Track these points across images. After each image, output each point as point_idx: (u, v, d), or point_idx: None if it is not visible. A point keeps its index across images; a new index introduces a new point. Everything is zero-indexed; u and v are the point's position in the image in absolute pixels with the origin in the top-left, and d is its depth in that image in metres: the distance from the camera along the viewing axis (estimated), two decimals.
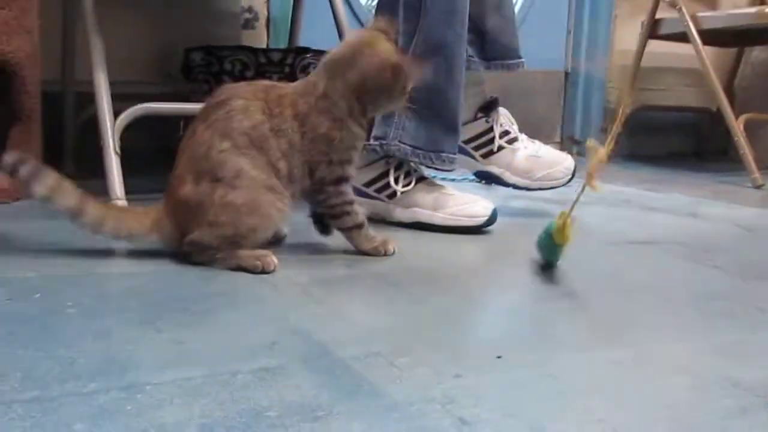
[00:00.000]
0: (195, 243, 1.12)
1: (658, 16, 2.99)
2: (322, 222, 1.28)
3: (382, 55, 1.18)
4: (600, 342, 0.90)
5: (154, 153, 2.22)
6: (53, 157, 1.90)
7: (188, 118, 2.02)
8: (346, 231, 1.24)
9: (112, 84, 1.59)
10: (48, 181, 1.09)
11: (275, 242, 1.25)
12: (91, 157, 1.72)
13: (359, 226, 1.24)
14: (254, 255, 1.12)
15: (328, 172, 1.18)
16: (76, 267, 1.10)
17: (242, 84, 1.20)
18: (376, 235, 1.26)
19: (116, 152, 1.49)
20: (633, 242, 1.50)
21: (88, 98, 1.72)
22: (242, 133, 1.12)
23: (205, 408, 0.65)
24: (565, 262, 1.26)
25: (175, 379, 0.71)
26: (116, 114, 1.54)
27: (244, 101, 1.14)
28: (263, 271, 1.11)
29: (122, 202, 1.43)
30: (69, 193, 1.10)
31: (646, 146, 3.44)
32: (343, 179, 1.20)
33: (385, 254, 1.25)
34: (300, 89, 1.19)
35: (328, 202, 1.21)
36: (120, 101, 1.57)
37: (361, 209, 1.24)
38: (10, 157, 1.10)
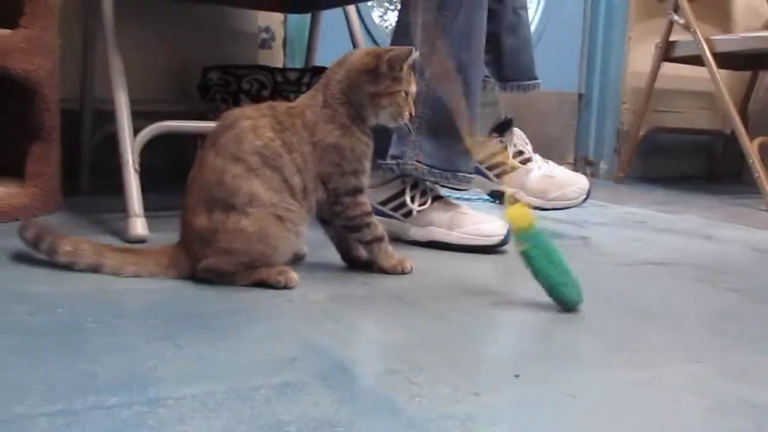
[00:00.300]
0: (210, 269, 1.12)
1: (671, 38, 3.01)
2: (347, 251, 1.29)
3: (367, 49, 1.21)
4: (616, 362, 0.90)
5: (169, 170, 2.25)
6: (71, 173, 1.93)
7: (204, 137, 2.06)
8: (367, 245, 1.24)
9: (130, 102, 1.61)
10: (65, 247, 1.14)
11: (295, 260, 1.26)
12: (107, 173, 1.74)
13: (380, 239, 1.24)
14: (276, 270, 1.13)
15: (342, 182, 1.18)
16: (95, 282, 1.11)
17: (246, 107, 1.20)
18: (394, 252, 1.26)
19: (135, 170, 1.50)
20: (646, 263, 1.50)
21: (106, 116, 1.74)
22: (254, 153, 1.11)
23: (226, 423, 0.66)
24: (580, 282, 1.26)
25: (196, 394, 0.72)
26: (134, 132, 1.55)
27: (252, 121, 1.14)
28: (285, 287, 1.12)
29: (141, 220, 1.44)
30: (87, 253, 1.14)
31: (659, 168, 3.44)
32: (358, 190, 1.21)
33: (403, 272, 1.25)
34: (306, 101, 1.20)
35: (346, 213, 1.20)
36: (137, 119, 1.58)
37: (380, 223, 1.25)
38: (29, 233, 1.16)
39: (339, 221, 1.23)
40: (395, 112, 1.20)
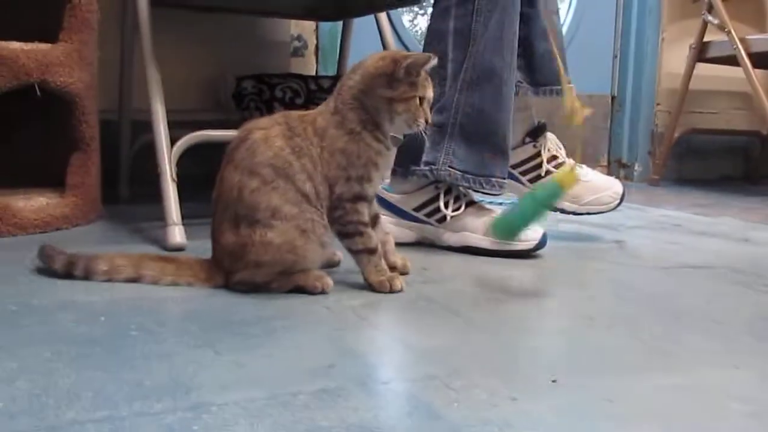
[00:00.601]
0: (244, 282, 1.14)
1: (706, 39, 2.98)
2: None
3: (382, 53, 1.20)
4: (655, 367, 0.90)
5: (205, 177, 2.28)
6: (110, 182, 1.97)
7: None
8: (356, 254, 1.19)
9: (166, 112, 1.64)
10: (101, 267, 1.17)
11: (329, 266, 1.27)
12: (145, 182, 1.77)
13: (370, 251, 1.18)
14: (313, 276, 1.15)
15: (346, 188, 1.15)
16: (135, 291, 1.13)
17: (262, 118, 1.20)
18: (386, 268, 1.20)
19: (173, 179, 1.53)
20: (684, 267, 1.49)
21: (143, 126, 1.77)
22: (266, 165, 1.11)
23: (269, 428, 0.67)
24: (617, 287, 1.26)
25: (238, 400, 0.73)
26: (171, 141, 1.58)
27: (264, 132, 1.14)
28: (322, 292, 1.14)
29: (179, 228, 1.46)
30: (124, 267, 1.17)
31: (695, 170, 3.41)
32: (360, 197, 1.17)
33: (391, 290, 1.18)
34: (320, 108, 1.20)
35: (344, 218, 1.16)
36: (173, 129, 1.61)
37: (375, 236, 1.20)
38: (59, 263, 1.17)
39: (335, 226, 1.18)
40: (410, 118, 1.16)
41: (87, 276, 1.16)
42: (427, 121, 1.18)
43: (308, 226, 1.13)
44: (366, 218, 1.18)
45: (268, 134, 1.14)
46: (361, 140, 1.15)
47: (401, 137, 1.22)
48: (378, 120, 1.16)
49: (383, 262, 1.20)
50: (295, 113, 1.19)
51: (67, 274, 1.17)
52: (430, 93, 1.19)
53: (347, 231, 1.17)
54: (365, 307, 1.10)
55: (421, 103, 1.16)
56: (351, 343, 0.93)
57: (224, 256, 1.15)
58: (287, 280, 1.14)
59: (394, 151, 1.22)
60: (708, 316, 1.14)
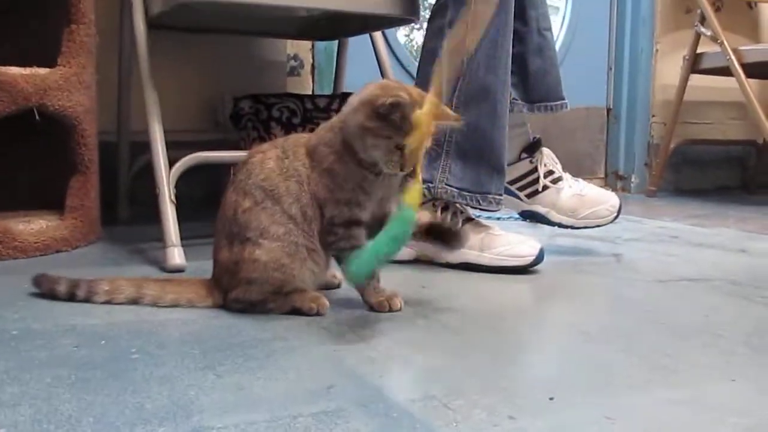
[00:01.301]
0: (239, 300, 1.15)
1: (699, 50, 3.00)
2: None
3: (386, 82, 1.17)
4: (654, 382, 0.91)
5: (204, 198, 2.29)
6: (109, 204, 1.98)
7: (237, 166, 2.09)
8: None
9: (164, 133, 1.65)
10: (103, 287, 1.18)
11: (328, 288, 1.28)
12: (144, 203, 1.78)
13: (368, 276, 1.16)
14: (309, 297, 1.15)
15: (337, 212, 1.14)
16: (135, 314, 1.14)
17: (267, 142, 1.23)
18: (384, 288, 1.20)
19: (172, 200, 1.54)
20: (681, 279, 1.50)
21: (141, 147, 1.79)
22: (258, 187, 1.13)
23: None
24: (614, 301, 1.26)
25: (238, 423, 0.74)
26: (169, 162, 1.59)
27: (261, 155, 1.17)
28: (318, 313, 1.14)
29: (178, 249, 1.47)
30: (125, 288, 1.18)
31: (692, 180, 3.42)
32: (353, 222, 1.15)
33: (391, 309, 1.18)
34: (319, 127, 1.20)
35: (337, 245, 1.15)
36: (171, 149, 1.62)
37: None
38: (62, 287, 1.19)
39: (330, 251, 1.18)
40: (381, 157, 1.09)
41: (89, 298, 1.17)
42: (402, 169, 1.10)
43: (292, 249, 1.13)
44: (361, 242, 1.15)
45: (264, 157, 1.16)
46: (347, 162, 1.12)
47: None
48: (354, 145, 1.12)
49: (381, 282, 1.20)
50: (297, 136, 1.20)
51: (70, 298, 1.18)
52: (411, 142, 1.07)
53: (340, 256, 1.17)
54: (364, 327, 1.11)
55: (400, 149, 1.08)
56: (350, 363, 0.94)
57: (222, 274, 1.17)
58: (283, 301, 1.15)
59: (392, 177, 1.14)
60: (706, 329, 1.14)
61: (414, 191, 1.11)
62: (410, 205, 1.09)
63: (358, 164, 1.12)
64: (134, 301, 1.17)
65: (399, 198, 1.14)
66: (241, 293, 1.15)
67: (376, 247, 1.07)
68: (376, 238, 1.08)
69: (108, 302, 1.17)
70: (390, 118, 1.07)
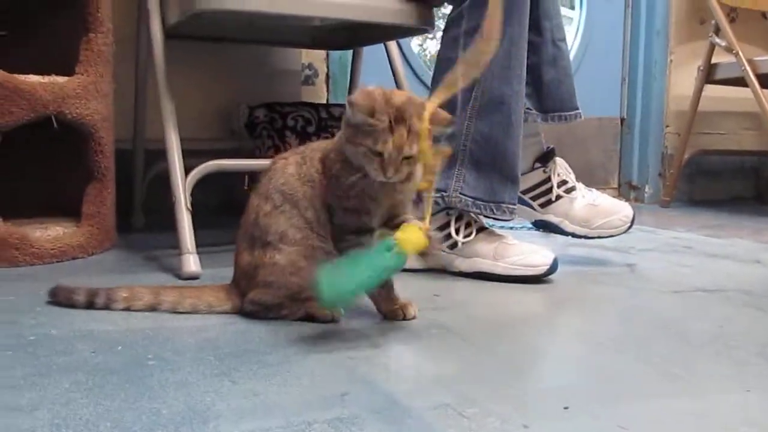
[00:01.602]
0: (255, 302, 1.16)
1: (714, 60, 3.00)
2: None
3: (358, 95, 1.07)
4: (667, 392, 0.91)
5: (218, 206, 2.30)
6: (124, 211, 1.99)
7: (252, 174, 2.11)
8: None
9: (180, 141, 1.66)
10: (121, 295, 1.19)
11: None
12: (159, 210, 1.79)
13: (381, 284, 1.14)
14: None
15: (346, 219, 1.13)
16: (151, 320, 1.15)
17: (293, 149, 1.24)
18: (398, 296, 1.19)
19: (187, 208, 1.55)
20: (696, 290, 1.49)
21: (157, 155, 1.80)
22: (277, 191, 1.15)
23: None
24: (628, 311, 1.26)
25: (254, 429, 0.74)
26: (185, 170, 1.60)
27: (284, 161, 1.18)
28: (332, 320, 1.15)
29: (194, 256, 1.48)
30: (143, 295, 1.20)
31: (706, 191, 3.41)
32: (364, 230, 1.13)
33: (405, 318, 1.17)
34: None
35: (349, 252, 1.13)
36: (187, 157, 1.63)
37: None
38: (81, 296, 1.20)
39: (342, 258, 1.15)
40: (364, 165, 1.07)
41: (108, 305, 1.19)
42: (385, 176, 1.05)
43: (309, 252, 1.14)
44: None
45: (285, 163, 1.18)
46: (351, 170, 1.09)
47: None
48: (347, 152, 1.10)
49: (394, 290, 1.19)
50: (319, 143, 1.21)
51: (89, 306, 1.19)
52: (388, 148, 1.04)
53: None
54: (377, 334, 1.12)
55: (378, 155, 1.05)
56: (364, 370, 0.94)
57: (241, 277, 1.19)
58: (297, 307, 1.16)
59: (399, 183, 1.10)
60: (720, 339, 1.14)
61: (411, 231, 1.07)
62: (401, 247, 1.05)
63: (359, 170, 1.08)
64: (153, 308, 1.19)
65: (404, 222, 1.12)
66: (256, 295, 1.16)
67: (356, 277, 1.04)
68: (356, 262, 1.05)
69: (127, 309, 1.18)
70: (356, 124, 1.05)
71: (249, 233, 1.17)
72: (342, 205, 1.13)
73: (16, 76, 1.53)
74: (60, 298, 1.21)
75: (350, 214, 1.13)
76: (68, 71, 1.64)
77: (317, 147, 1.19)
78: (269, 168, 1.20)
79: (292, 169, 1.16)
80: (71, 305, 1.20)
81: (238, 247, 1.20)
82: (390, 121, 1.04)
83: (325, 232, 1.15)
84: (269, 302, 1.15)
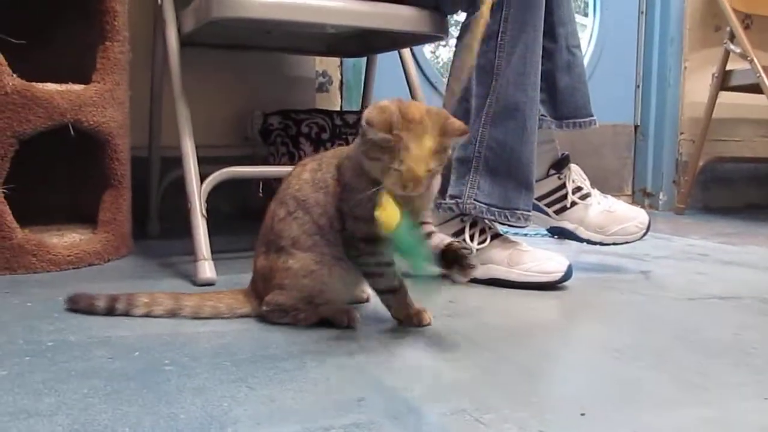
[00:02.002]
0: (271, 303, 1.17)
1: (728, 67, 2.99)
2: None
3: (373, 109, 1.04)
4: (683, 399, 0.90)
5: (233, 212, 2.31)
6: (140, 218, 2.00)
7: (267, 181, 2.12)
8: (380, 293, 1.17)
9: (195, 148, 1.67)
10: (142, 300, 1.20)
11: (358, 302, 1.29)
12: (174, 217, 1.81)
13: (392, 290, 1.16)
14: (339, 309, 1.17)
15: (356, 228, 1.11)
16: (167, 326, 1.15)
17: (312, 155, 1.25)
18: (412, 303, 1.18)
19: (203, 215, 1.56)
20: (711, 297, 1.49)
21: (172, 162, 1.81)
22: (292, 197, 1.16)
23: None
24: (643, 319, 1.26)
25: None
26: (200, 177, 1.61)
27: (302, 167, 1.19)
28: (348, 326, 1.15)
29: (209, 263, 1.49)
30: (163, 300, 1.21)
31: (721, 198, 3.40)
32: (373, 239, 1.10)
33: (419, 324, 1.17)
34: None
35: (360, 260, 1.14)
36: (202, 164, 1.64)
37: (398, 274, 1.15)
38: (101, 302, 1.20)
39: (356, 265, 1.15)
40: (382, 178, 1.04)
41: (128, 311, 1.19)
42: (404, 190, 1.02)
43: (319, 257, 1.14)
44: (386, 259, 1.13)
45: (302, 169, 1.19)
46: (364, 179, 1.08)
47: None
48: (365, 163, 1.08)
49: (408, 296, 1.18)
50: (340, 149, 1.21)
51: (109, 312, 1.20)
52: (407, 165, 1.01)
53: (366, 272, 1.16)
54: (393, 340, 1.12)
55: (397, 170, 1.02)
56: (380, 376, 0.94)
57: (258, 279, 1.20)
58: (313, 312, 1.16)
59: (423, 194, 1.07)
60: (736, 347, 1.13)
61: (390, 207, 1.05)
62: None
63: (373, 182, 1.06)
64: (173, 314, 1.20)
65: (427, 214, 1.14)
66: (273, 297, 1.16)
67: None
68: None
69: (147, 315, 1.19)
70: (372, 140, 1.03)
71: (266, 237, 1.19)
72: (353, 213, 1.11)
73: (33, 84, 1.55)
74: (80, 305, 1.22)
75: (361, 223, 1.10)
76: (85, 79, 1.65)
77: (335, 153, 1.19)
78: (289, 173, 1.21)
79: (307, 175, 1.17)
80: (91, 312, 1.20)
81: (256, 251, 1.21)
82: (408, 137, 1.01)
83: (337, 239, 1.14)
84: (284, 303, 1.16)
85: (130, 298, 1.20)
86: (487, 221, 1.56)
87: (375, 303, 1.29)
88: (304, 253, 1.14)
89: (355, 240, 1.13)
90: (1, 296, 1.35)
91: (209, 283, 1.46)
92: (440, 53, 3.49)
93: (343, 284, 1.18)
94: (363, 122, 1.03)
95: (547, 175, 1.73)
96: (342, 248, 1.15)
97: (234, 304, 1.21)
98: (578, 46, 1.72)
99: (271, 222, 1.18)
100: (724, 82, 3.01)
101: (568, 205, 1.72)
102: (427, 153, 1.02)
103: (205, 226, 1.56)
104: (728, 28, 2.94)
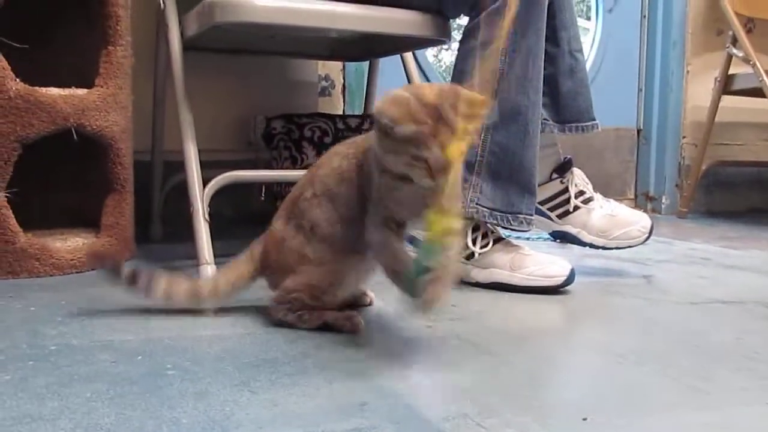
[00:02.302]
0: (280, 288, 1.18)
1: (731, 71, 2.99)
2: None
3: (388, 102, 0.98)
4: (685, 404, 0.90)
5: (235, 216, 2.32)
6: (143, 222, 2.01)
7: (269, 185, 2.12)
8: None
9: (198, 152, 1.68)
10: (161, 285, 1.21)
11: (360, 306, 1.29)
12: (177, 221, 1.81)
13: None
14: (342, 315, 1.17)
15: (377, 213, 1.07)
16: (170, 330, 1.16)
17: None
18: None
19: (206, 219, 1.56)
20: (714, 302, 1.49)
21: (175, 166, 1.82)
22: (320, 181, 1.16)
23: None
24: (645, 323, 1.26)
25: None
26: (202, 181, 1.61)
27: (334, 152, 1.19)
28: (351, 331, 1.15)
29: (212, 267, 1.49)
30: (182, 286, 1.22)
31: (723, 202, 3.39)
32: (393, 223, 1.06)
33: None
34: None
35: (379, 247, 1.08)
36: (204, 169, 1.64)
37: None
38: (126, 273, 1.21)
39: (373, 255, 1.12)
40: (406, 170, 0.99)
41: (146, 290, 1.20)
42: (433, 179, 0.96)
43: (338, 249, 1.14)
44: (403, 246, 1.08)
45: (335, 152, 1.18)
46: (388, 174, 1.03)
47: None
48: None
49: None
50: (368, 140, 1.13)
51: (131, 281, 1.21)
52: (437, 152, 0.94)
53: (382, 263, 1.09)
54: (395, 345, 1.12)
55: (424, 160, 0.95)
56: (382, 381, 0.94)
57: (271, 245, 1.21)
58: (318, 316, 1.16)
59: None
60: (739, 351, 1.13)
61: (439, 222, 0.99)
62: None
63: (402, 179, 1.00)
64: (192, 301, 1.22)
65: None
66: (283, 285, 1.17)
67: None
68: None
69: (167, 296, 1.21)
70: (394, 135, 0.95)
71: (290, 206, 1.19)
72: (376, 199, 1.06)
73: (36, 89, 1.55)
74: (107, 266, 1.24)
75: (382, 208, 1.06)
76: (88, 84, 1.66)
77: (366, 140, 1.13)
78: (327, 152, 1.20)
79: (337, 161, 1.15)
80: (116, 274, 1.21)
81: (278, 213, 1.22)
82: (431, 123, 0.94)
83: (355, 232, 1.11)
84: (293, 290, 1.16)
85: (150, 280, 1.20)
86: (489, 225, 1.56)
87: (378, 307, 1.29)
88: (320, 243, 1.14)
89: (375, 225, 1.07)
90: (5, 300, 1.35)
91: None
92: (443, 57, 3.49)
93: (354, 277, 1.19)
94: (383, 120, 0.95)
95: (550, 179, 1.73)
96: (360, 239, 1.10)
97: (250, 271, 1.23)
98: (580, 50, 1.72)
99: (297, 196, 1.18)
100: (726, 85, 3.01)
101: (571, 209, 1.72)
102: (456, 135, 0.94)
103: (208, 230, 1.56)
104: (730, 32, 2.94)
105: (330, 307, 1.17)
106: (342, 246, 1.14)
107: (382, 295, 1.33)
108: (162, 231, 2.12)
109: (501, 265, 1.51)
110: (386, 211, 1.07)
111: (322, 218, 1.14)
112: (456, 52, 1.62)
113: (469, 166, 1.53)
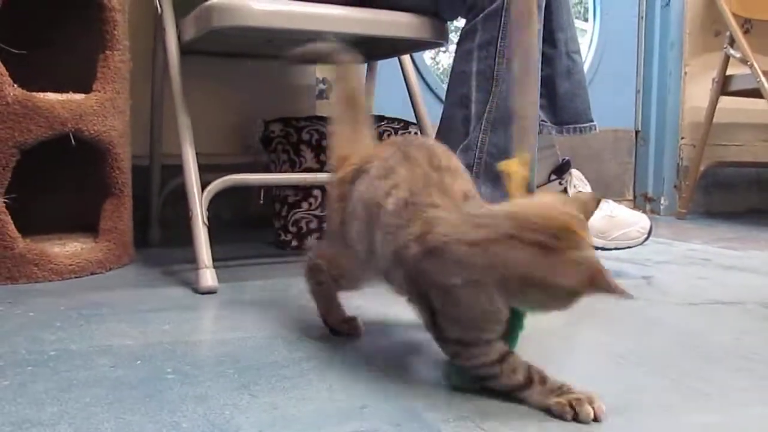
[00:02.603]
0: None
1: (729, 72, 2.99)
2: None
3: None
4: (686, 405, 0.90)
5: (233, 220, 2.31)
6: (141, 226, 2.01)
7: (268, 188, 2.12)
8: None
9: (195, 156, 1.68)
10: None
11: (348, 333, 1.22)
12: (175, 225, 1.81)
13: (521, 387, 0.90)
14: (343, 319, 1.17)
15: (458, 333, 0.92)
16: (170, 334, 1.15)
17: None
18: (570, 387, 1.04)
19: (204, 223, 1.56)
20: (714, 302, 1.48)
21: (173, 170, 1.81)
22: (364, 205, 1.00)
23: None
24: (645, 324, 1.25)
25: None
26: (201, 185, 1.61)
27: (394, 183, 0.96)
28: (350, 334, 1.16)
29: (211, 271, 1.49)
30: None
31: (722, 203, 3.39)
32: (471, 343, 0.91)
33: (576, 417, 1.05)
34: None
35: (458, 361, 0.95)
36: (202, 172, 1.64)
37: None
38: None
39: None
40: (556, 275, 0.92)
41: None
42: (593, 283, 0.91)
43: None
44: (492, 354, 0.91)
45: (395, 185, 0.96)
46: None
47: None
48: None
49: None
50: (420, 142, 1.04)
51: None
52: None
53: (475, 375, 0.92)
54: (395, 348, 1.12)
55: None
56: (382, 383, 0.94)
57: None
58: (328, 305, 1.17)
59: None
60: (738, 352, 1.13)
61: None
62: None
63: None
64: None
65: None
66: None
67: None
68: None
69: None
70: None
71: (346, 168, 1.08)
72: (446, 312, 0.89)
73: (34, 94, 1.55)
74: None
75: (456, 326, 0.89)
76: (85, 88, 1.66)
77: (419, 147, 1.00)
78: (366, 160, 1.03)
79: (392, 205, 0.93)
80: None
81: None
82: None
83: (369, 275, 1.05)
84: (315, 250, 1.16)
85: None
86: None
87: (376, 312, 1.29)
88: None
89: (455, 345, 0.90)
90: (3, 306, 1.35)
91: (211, 291, 1.46)
92: (440, 59, 3.49)
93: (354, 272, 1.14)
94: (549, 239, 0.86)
95: (549, 181, 1.73)
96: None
97: None
98: (578, 52, 1.72)
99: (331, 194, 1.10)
100: (724, 86, 3.02)
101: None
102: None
103: (207, 234, 1.56)
104: (728, 33, 2.94)
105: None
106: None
107: (382, 298, 1.33)
108: (160, 235, 2.12)
109: None
110: (462, 332, 0.89)
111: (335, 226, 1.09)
112: (453, 55, 1.62)
113: (467, 168, 1.52)
